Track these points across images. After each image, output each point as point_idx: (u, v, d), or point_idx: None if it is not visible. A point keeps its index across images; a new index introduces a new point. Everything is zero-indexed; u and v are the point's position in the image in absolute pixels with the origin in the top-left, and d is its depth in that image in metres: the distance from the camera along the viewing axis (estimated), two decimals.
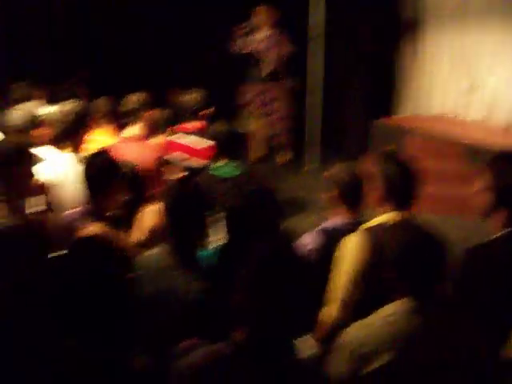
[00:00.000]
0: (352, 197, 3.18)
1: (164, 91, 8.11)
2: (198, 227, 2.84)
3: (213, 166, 4.11)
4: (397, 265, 2.24)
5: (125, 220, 3.32)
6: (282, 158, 8.36)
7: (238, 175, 4.03)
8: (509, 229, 2.56)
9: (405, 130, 7.74)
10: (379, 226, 2.86)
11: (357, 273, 2.77)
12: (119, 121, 4.78)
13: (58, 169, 3.64)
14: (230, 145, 4.12)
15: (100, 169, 3.14)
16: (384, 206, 2.97)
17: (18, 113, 4.19)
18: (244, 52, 7.93)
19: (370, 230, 2.88)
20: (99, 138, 4.46)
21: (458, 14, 8.44)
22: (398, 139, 7.62)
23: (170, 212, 2.77)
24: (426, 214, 6.02)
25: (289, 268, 1.93)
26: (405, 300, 2.21)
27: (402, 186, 2.93)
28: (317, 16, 7.83)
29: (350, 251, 2.81)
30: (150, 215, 3.30)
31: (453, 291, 2.53)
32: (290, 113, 8.18)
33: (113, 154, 3.34)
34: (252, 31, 7.86)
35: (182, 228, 2.76)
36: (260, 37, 7.84)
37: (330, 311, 2.83)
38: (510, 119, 7.85)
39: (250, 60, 8.01)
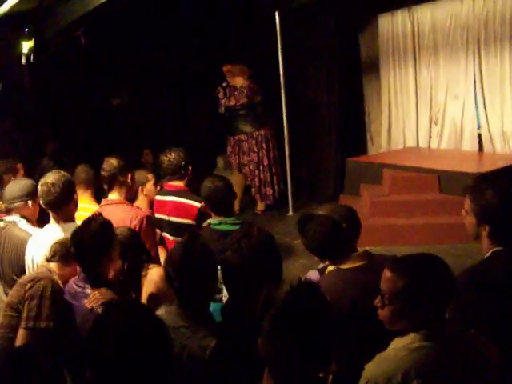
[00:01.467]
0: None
1: (139, 152, 8.32)
2: (210, 285, 2.84)
3: (212, 221, 4.04)
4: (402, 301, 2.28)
5: (127, 286, 3.29)
6: (262, 206, 8.42)
7: (239, 228, 3.91)
8: (496, 247, 2.69)
9: (379, 166, 7.86)
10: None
11: None
12: (99, 186, 4.78)
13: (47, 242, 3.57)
14: (223, 200, 4.05)
15: (97, 234, 3.07)
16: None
17: (18, 185, 4.16)
18: (227, 108, 8.23)
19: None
20: (80, 206, 4.45)
21: (411, 51, 8.80)
22: (372, 175, 7.78)
23: (180, 273, 2.72)
24: (411, 245, 6.24)
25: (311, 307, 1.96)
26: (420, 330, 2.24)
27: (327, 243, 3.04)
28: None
29: None
30: (154, 279, 3.28)
31: (457, 314, 2.58)
32: (268, 161, 8.27)
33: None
34: (228, 89, 8.18)
35: (195, 288, 2.72)
36: (235, 92, 8.13)
37: None
38: (476, 145, 8.12)
39: (232, 115, 8.25)
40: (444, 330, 2.26)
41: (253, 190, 8.35)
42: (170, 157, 4.71)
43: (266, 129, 8.22)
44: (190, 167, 4.75)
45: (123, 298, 2.98)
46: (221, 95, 8.18)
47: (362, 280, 2.89)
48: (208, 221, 4.06)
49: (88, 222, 3.13)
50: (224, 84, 8.17)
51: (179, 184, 4.68)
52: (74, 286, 3.14)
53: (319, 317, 1.93)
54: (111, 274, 3.13)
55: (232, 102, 8.12)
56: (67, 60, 8.92)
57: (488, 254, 2.73)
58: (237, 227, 3.94)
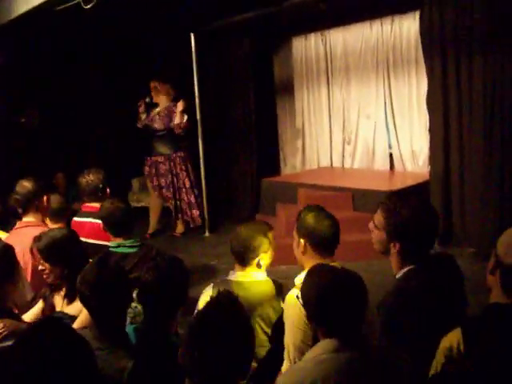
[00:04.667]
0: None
1: (51, 175, 8.09)
2: (126, 304, 2.78)
3: (111, 244, 3.99)
4: (318, 306, 2.32)
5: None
6: (181, 228, 8.30)
7: (137, 251, 3.93)
8: (409, 266, 2.66)
9: (294, 185, 7.95)
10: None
11: (297, 328, 2.82)
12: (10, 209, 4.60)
13: None
14: (121, 222, 4.00)
15: None
16: (311, 256, 3.12)
17: None
18: (145, 126, 8.06)
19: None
20: None
21: (324, 73, 9.03)
22: (288, 195, 7.87)
23: (95, 292, 2.66)
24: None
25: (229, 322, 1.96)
26: (330, 339, 2.26)
27: (324, 238, 3.10)
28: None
29: (287, 308, 2.91)
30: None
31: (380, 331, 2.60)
32: (190, 183, 8.11)
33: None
34: (151, 105, 8.04)
35: (110, 307, 2.67)
36: (157, 111, 8.00)
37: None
38: (387, 164, 8.42)
39: (151, 133, 8.08)
40: (353, 342, 2.26)
41: (173, 212, 8.19)
42: (88, 178, 4.60)
43: (184, 151, 8.12)
44: (108, 189, 4.67)
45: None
46: (141, 109, 8.02)
47: None
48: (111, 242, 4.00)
49: None
50: (147, 99, 8.01)
51: (97, 205, 4.56)
52: None
53: (236, 326, 1.95)
54: (15, 302, 3.01)
55: (156, 125, 7.96)
56: None
57: (401, 274, 2.68)
58: (135, 249, 3.92)
